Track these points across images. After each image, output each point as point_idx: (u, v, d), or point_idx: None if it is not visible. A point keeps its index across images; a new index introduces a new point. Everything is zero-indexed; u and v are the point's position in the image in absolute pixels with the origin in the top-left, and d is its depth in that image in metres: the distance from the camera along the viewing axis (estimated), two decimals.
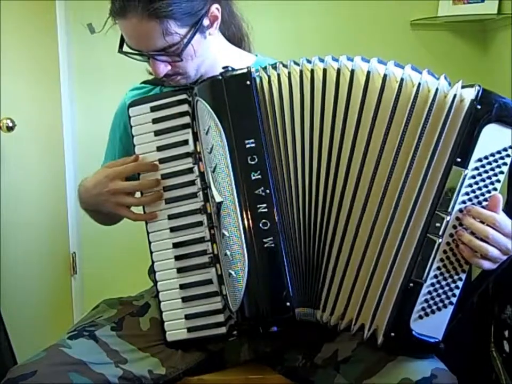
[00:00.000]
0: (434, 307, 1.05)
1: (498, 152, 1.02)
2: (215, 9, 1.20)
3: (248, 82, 1.11)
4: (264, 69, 1.13)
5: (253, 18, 1.39)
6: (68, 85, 2.61)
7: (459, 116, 1.02)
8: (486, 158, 1.02)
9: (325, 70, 1.09)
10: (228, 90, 1.11)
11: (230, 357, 1.28)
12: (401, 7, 2.62)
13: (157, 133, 1.21)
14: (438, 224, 1.02)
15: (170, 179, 1.20)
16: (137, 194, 1.24)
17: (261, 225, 1.09)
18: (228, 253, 1.11)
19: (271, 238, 1.09)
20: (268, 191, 1.10)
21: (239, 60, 1.30)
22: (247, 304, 1.10)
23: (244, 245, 1.09)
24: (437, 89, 1.03)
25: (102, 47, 2.56)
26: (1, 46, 2.00)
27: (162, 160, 1.21)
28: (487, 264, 1.03)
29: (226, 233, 1.11)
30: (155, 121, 1.21)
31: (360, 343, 1.13)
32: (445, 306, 1.05)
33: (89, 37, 2.49)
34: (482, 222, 1.01)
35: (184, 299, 1.19)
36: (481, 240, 1.01)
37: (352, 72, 1.07)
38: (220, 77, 1.13)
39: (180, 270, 1.20)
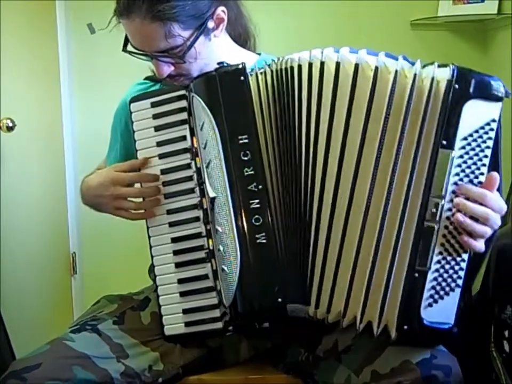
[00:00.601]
0: (442, 292, 1.04)
1: (482, 127, 1.01)
2: (220, 11, 1.20)
3: (242, 78, 1.11)
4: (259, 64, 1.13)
5: (254, 18, 1.39)
6: (68, 85, 2.61)
7: (438, 98, 1.00)
8: (470, 135, 1.01)
9: (310, 64, 1.08)
10: (221, 85, 1.11)
11: (229, 355, 1.28)
12: (401, 7, 2.62)
13: (157, 128, 1.21)
14: (433, 210, 1.01)
15: (169, 174, 1.21)
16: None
17: (253, 221, 1.09)
18: (221, 248, 1.11)
19: (264, 234, 1.09)
20: (260, 186, 1.09)
21: (242, 58, 1.29)
22: (239, 299, 1.10)
23: (237, 241, 1.09)
24: (415, 75, 1.02)
25: (102, 47, 2.56)
26: (1, 46, 2.00)
27: (161, 156, 1.21)
28: (482, 244, 1.03)
29: (219, 228, 1.11)
30: (155, 116, 1.22)
31: None
32: (452, 290, 1.04)
33: (89, 37, 2.50)
34: (476, 201, 1.01)
35: (182, 294, 1.19)
36: (478, 222, 1.01)
37: (338, 64, 1.06)
38: (214, 73, 1.12)
39: (177, 265, 1.20)
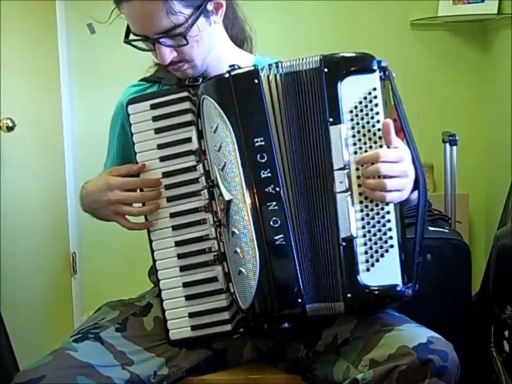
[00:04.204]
0: (376, 255, 1.09)
1: (364, 97, 1.10)
2: None
3: (256, 81, 1.12)
4: (269, 67, 1.14)
5: (252, 18, 1.39)
6: (68, 85, 2.61)
7: (317, 84, 1.10)
8: (355, 107, 1.10)
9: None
10: (235, 88, 1.12)
11: (232, 356, 1.28)
12: (401, 7, 2.63)
13: (157, 131, 1.20)
14: (341, 181, 1.09)
15: (171, 177, 1.20)
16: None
17: (271, 223, 1.10)
18: (238, 250, 1.11)
19: (282, 236, 1.10)
20: (277, 188, 1.11)
21: (240, 59, 1.29)
22: (258, 301, 1.11)
23: (255, 243, 1.10)
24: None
25: (102, 47, 2.57)
26: (1, 46, 2.00)
27: (163, 158, 1.20)
28: (396, 195, 1.08)
29: (236, 231, 1.11)
30: (155, 118, 1.20)
31: (358, 322, 1.14)
32: (386, 251, 1.09)
33: (89, 36, 2.50)
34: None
35: (188, 297, 1.19)
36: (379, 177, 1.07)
37: None
38: (227, 75, 1.12)
39: (182, 268, 1.19)
